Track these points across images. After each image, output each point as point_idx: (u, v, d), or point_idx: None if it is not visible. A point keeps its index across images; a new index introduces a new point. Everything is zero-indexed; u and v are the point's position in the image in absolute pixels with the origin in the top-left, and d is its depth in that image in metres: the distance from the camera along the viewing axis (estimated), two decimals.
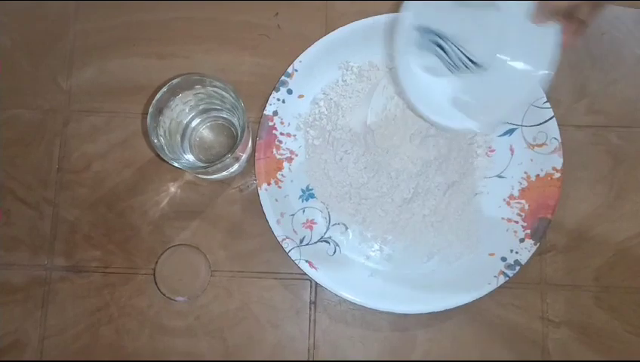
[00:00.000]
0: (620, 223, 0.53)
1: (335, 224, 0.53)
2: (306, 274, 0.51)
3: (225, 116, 0.52)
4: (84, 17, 0.57)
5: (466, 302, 0.50)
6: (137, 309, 0.53)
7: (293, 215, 0.52)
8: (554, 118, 0.52)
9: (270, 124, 0.53)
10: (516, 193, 0.53)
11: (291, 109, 0.54)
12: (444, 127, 0.45)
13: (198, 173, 0.53)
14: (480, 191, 0.53)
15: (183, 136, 0.51)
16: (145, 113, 0.55)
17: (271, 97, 0.53)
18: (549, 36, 0.40)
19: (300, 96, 0.54)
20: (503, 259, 0.51)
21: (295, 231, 0.52)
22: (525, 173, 0.53)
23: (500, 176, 0.53)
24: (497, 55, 0.44)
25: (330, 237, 0.53)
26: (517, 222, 0.52)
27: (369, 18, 0.53)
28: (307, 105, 0.54)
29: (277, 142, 0.53)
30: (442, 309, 0.50)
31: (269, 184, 0.52)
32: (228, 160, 0.46)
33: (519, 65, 0.43)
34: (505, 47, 0.43)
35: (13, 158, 0.55)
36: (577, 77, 0.56)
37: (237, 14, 0.57)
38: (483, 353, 0.52)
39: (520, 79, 0.43)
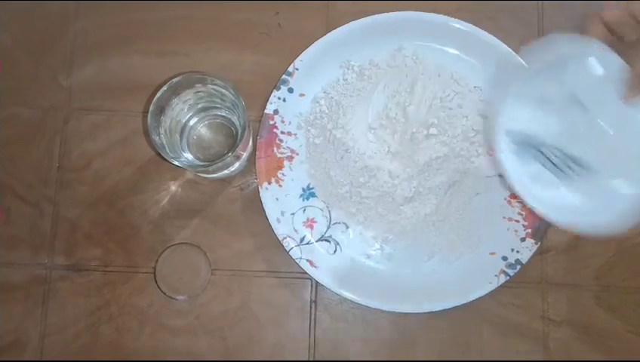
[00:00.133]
0: None
1: (336, 223, 0.53)
2: (306, 273, 0.51)
3: (224, 115, 0.52)
4: (84, 16, 0.57)
5: (467, 301, 0.50)
6: (137, 308, 0.53)
7: (293, 214, 0.52)
8: None
9: (271, 122, 0.53)
10: None
11: (292, 108, 0.53)
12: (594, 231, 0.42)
13: (199, 172, 0.53)
14: (481, 191, 0.52)
15: (181, 134, 0.51)
16: (145, 111, 0.55)
17: (272, 96, 0.53)
18: None
19: (301, 95, 0.54)
20: (504, 259, 0.51)
21: (296, 230, 0.52)
22: None
23: (501, 176, 0.53)
24: (605, 155, 0.41)
25: (330, 236, 0.53)
26: (518, 222, 0.52)
27: (370, 17, 0.53)
28: (308, 104, 0.54)
29: (278, 141, 0.53)
30: (443, 308, 0.50)
31: (269, 183, 0.52)
32: (228, 159, 0.46)
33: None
34: (609, 143, 0.41)
35: (13, 157, 0.55)
36: None
37: (238, 13, 0.56)
38: (483, 352, 0.52)
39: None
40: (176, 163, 0.45)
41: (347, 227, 0.53)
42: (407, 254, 0.52)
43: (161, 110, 0.46)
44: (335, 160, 0.52)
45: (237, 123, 0.49)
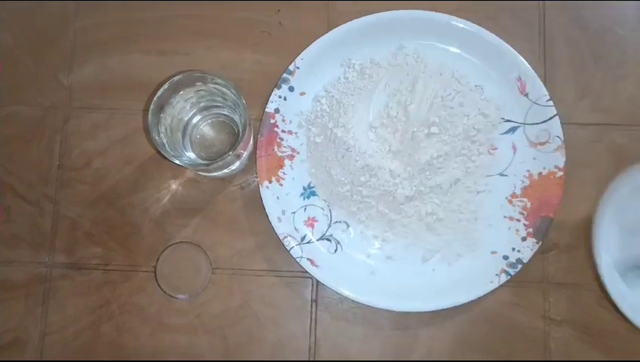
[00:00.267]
0: None
1: (336, 222, 0.53)
2: (307, 272, 0.51)
3: (226, 113, 0.52)
4: (84, 14, 0.57)
5: (468, 300, 0.50)
6: (138, 307, 0.53)
7: (294, 213, 0.52)
8: (557, 116, 0.51)
9: (272, 121, 0.53)
10: (518, 191, 0.52)
11: (293, 107, 0.53)
12: None
13: (199, 171, 0.53)
14: (482, 190, 0.52)
15: (183, 133, 0.51)
16: (146, 110, 0.55)
17: (272, 95, 0.53)
18: None
19: (302, 94, 0.54)
20: (505, 258, 0.51)
21: (296, 229, 0.52)
22: (528, 171, 0.52)
23: (502, 175, 0.53)
24: None
25: (331, 235, 0.52)
26: (519, 221, 0.52)
27: (370, 15, 0.53)
28: (309, 103, 0.54)
29: (278, 140, 0.53)
30: (444, 308, 0.50)
31: (270, 181, 0.52)
32: (229, 157, 0.46)
33: None
34: None
35: (13, 155, 0.55)
36: (581, 75, 0.55)
37: (238, 11, 0.56)
38: (484, 352, 0.52)
39: None
40: (176, 161, 0.45)
41: (348, 226, 0.53)
42: (408, 253, 0.52)
43: (161, 108, 0.46)
44: (336, 159, 0.52)
45: (238, 121, 0.49)
